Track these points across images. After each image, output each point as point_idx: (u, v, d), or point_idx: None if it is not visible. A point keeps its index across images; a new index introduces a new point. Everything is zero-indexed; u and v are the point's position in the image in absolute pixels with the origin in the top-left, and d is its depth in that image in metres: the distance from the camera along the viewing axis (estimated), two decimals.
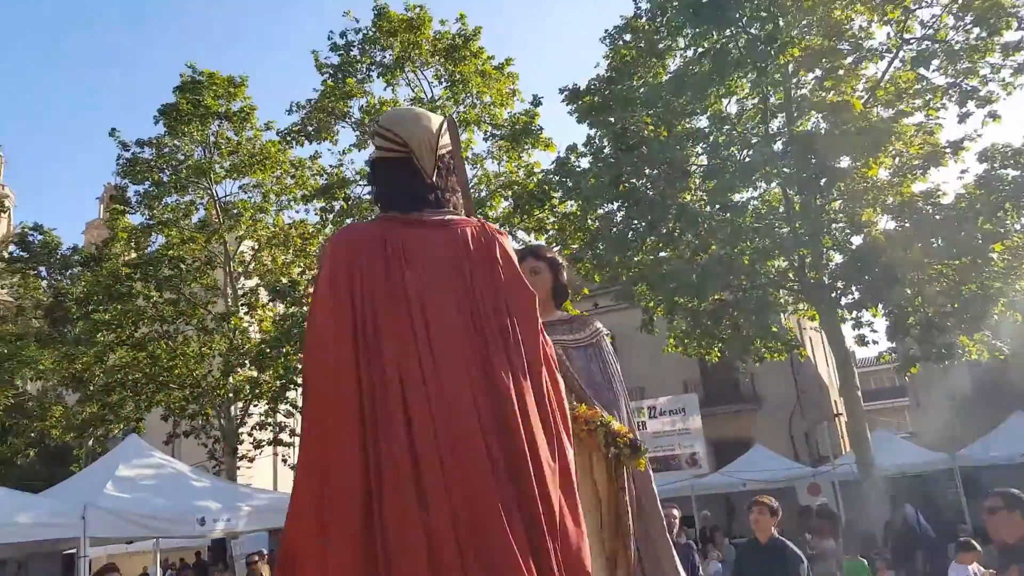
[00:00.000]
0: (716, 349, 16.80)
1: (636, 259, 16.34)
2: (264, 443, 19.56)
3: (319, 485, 1.78)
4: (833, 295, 15.50)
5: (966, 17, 14.72)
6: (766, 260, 15.97)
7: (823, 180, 14.34)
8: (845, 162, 14.31)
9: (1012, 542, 4.10)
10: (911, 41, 15.41)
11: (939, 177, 16.22)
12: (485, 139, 18.88)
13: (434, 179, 2.12)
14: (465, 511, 1.71)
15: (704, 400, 18.58)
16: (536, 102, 18.26)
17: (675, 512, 6.76)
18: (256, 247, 21.16)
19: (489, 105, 18.77)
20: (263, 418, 19.70)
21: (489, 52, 18.83)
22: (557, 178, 17.65)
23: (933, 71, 15.17)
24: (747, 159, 15.49)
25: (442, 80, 18.90)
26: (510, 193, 18.28)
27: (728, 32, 15.40)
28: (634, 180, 15.96)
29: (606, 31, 17.98)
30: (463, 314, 1.94)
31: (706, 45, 15.93)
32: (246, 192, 21.20)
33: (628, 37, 17.76)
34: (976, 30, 14.63)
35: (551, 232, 18.02)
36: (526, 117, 18.32)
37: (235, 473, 19.25)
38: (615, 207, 17.05)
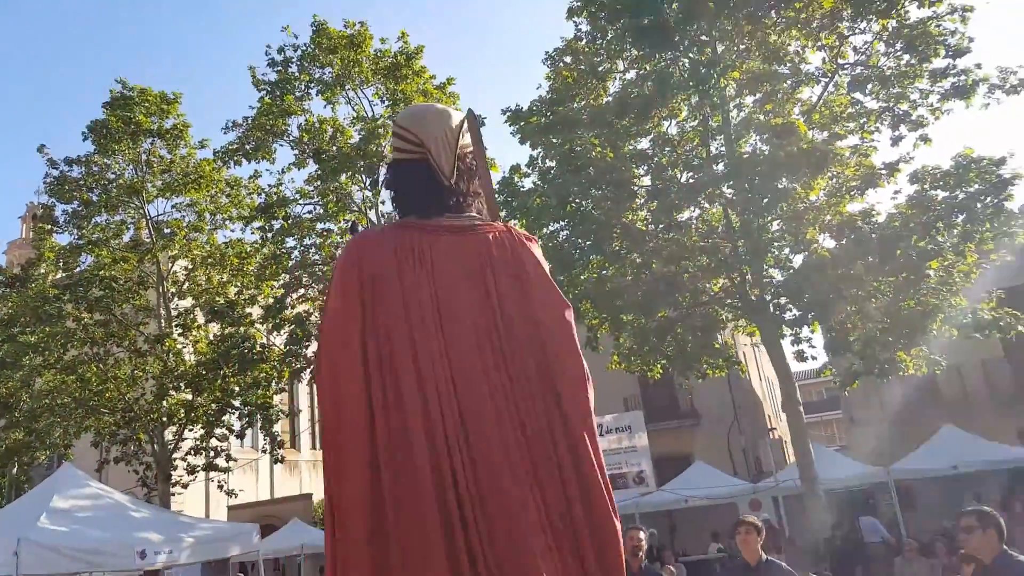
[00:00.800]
0: (659, 366, 16.96)
1: (582, 277, 16.43)
2: (198, 468, 18.95)
3: (331, 514, 1.75)
4: (775, 312, 15.82)
5: (896, 44, 15.26)
6: (710, 278, 16.24)
7: (765, 200, 14.62)
8: (784, 182, 14.63)
9: (988, 562, 4.10)
10: (845, 66, 15.90)
11: (874, 197, 16.69)
12: None
13: (454, 181, 1.98)
14: (501, 532, 1.65)
15: (644, 416, 18.73)
16: (480, 123, 18.23)
17: (641, 535, 6.59)
18: (190, 267, 20.57)
19: None
20: (198, 443, 19.08)
21: (431, 71, 18.87)
22: (501, 198, 17.67)
23: (867, 96, 15.67)
24: (691, 180, 15.77)
25: (383, 99, 18.78)
26: None
27: (669, 55, 15.66)
28: (580, 200, 16.05)
29: (547, 53, 18.14)
30: (484, 325, 1.84)
31: (648, 68, 16.20)
32: (180, 211, 20.64)
33: (568, 59, 17.97)
34: (906, 57, 15.15)
35: None
36: None
37: (168, 500, 18.60)
38: (560, 226, 17.12)
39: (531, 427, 1.78)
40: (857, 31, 15.72)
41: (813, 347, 15.95)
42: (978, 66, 14.66)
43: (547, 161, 17.42)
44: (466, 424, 1.72)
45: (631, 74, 16.96)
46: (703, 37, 14.94)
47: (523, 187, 17.58)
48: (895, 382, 18.76)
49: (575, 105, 17.17)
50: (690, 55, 15.30)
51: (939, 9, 14.83)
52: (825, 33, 15.64)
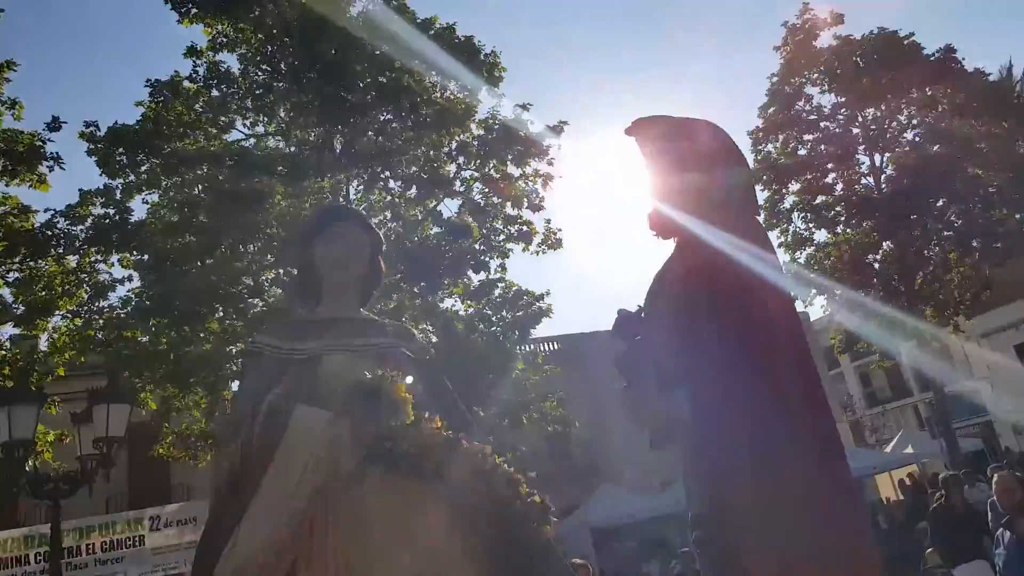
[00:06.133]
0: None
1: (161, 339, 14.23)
2: None
3: None
4: None
5: (489, 189, 17.73)
6: None
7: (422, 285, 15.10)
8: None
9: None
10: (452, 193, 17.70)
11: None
12: None
13: None
14: None
15: None
16: (55, 125, 14.25)
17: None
18: None
19: None
20: None
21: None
22: (69, 226, 14.22)
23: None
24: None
25: None
26: None
27: (331, 129, 15.40)
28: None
29: (148, 80, 15.60)
30: None
31: (299, 135, 15.58)
32: None
33: (168, 93, 15.79)
34: (495, 199, 17.63)
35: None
36: (31, 139, 14.10)
37: None
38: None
39: None
40: (467, 168, 17.77)
41: None
42: (548, 221, 17.99)
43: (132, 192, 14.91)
44: None
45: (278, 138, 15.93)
46: (392, 125, 15.20)
47: (96, 216, 14.54)
48: None
49: (183, 144, 15.10)
50: (363, 137, 15.31)
51: (527, 170, 17.88)
52: (444, 161, 17.35)
